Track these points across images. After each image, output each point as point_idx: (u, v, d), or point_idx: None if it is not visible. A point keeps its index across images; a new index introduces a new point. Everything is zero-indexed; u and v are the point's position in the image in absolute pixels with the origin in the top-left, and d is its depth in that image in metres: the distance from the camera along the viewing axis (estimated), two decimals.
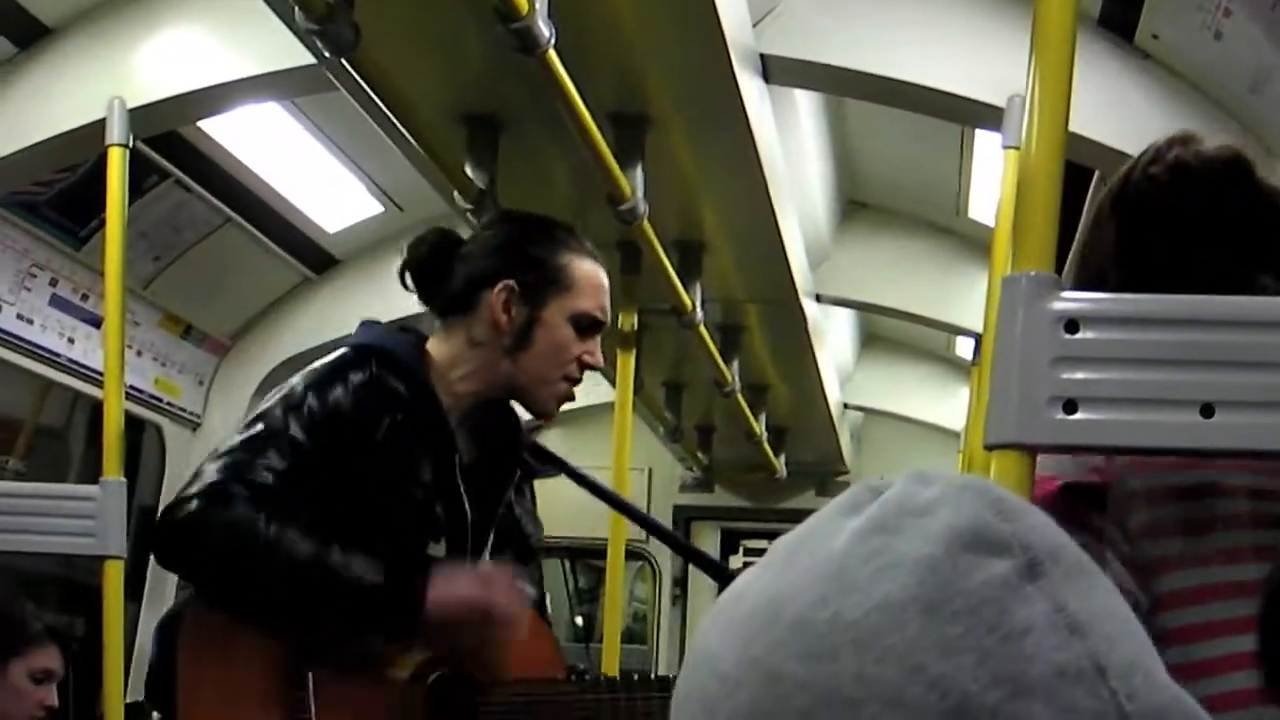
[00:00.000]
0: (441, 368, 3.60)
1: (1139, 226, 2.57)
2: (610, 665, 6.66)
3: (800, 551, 1.02)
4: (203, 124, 7.14)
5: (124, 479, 5.44)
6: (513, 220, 3.89)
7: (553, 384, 3.67)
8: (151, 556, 6.93)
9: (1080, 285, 2.59)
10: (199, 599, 3.46)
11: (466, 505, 3.57)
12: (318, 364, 3.54)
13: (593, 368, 3.77)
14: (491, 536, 3.68)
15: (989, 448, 2.29)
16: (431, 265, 3.70)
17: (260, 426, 3.35)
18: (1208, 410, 2.21)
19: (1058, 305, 2.27)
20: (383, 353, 3.53)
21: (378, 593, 3.28)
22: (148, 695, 3.80)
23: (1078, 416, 2.24)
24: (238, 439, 3.36)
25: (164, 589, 8.36)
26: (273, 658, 3.37)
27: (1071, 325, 2.26)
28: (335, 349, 3.62)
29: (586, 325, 3.67)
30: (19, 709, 5.11)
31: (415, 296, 3.75)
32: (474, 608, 3.36)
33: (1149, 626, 2.34)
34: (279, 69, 5.91)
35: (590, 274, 3.70)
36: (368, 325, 3.75)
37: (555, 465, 3.95)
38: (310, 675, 3.35)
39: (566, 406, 3.76)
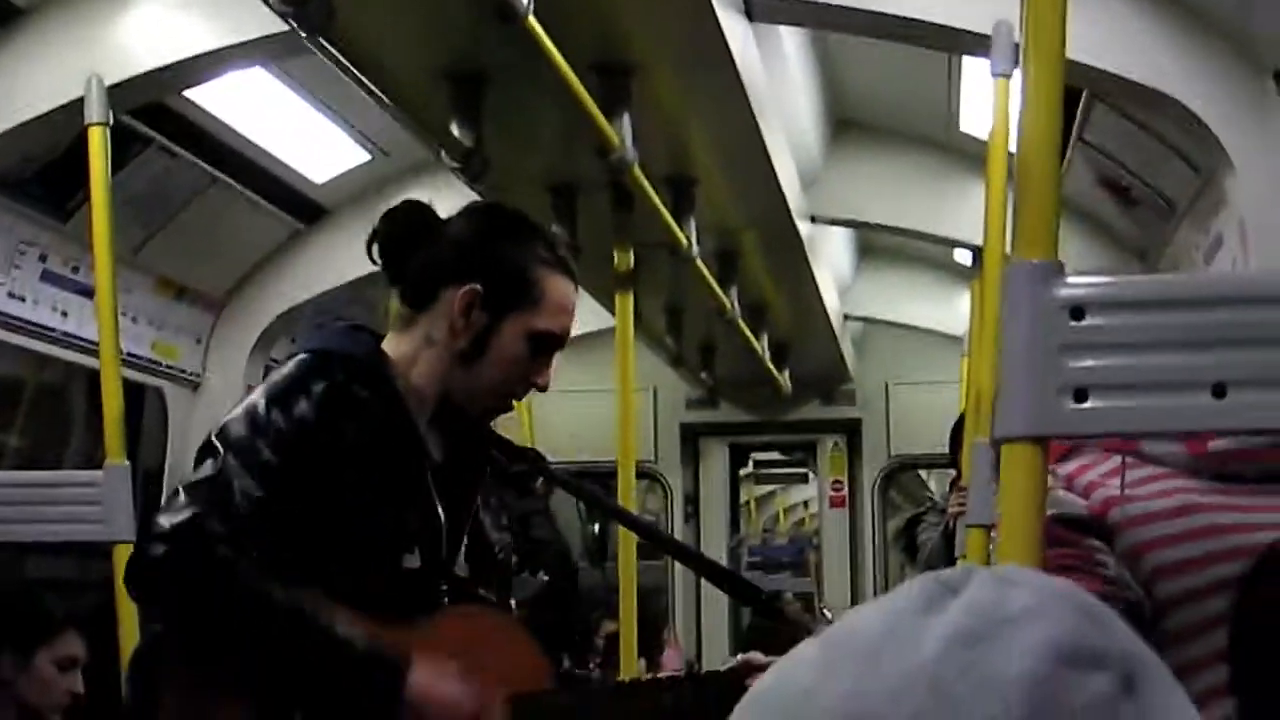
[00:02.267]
0: (402, 367, 3.45)
1: None
2: (628, 584, 6.70)
3: (882, 655, 0.97)
4: None
5: (127, 462, 5.42)
6: (487, 215, 3.70)
7: (493, 398, 3.55)
8: None
9: None
10: (171, 644, 3.39)
11: (440, 512, 3.44)
12: (277, 376, 3.38)
13: (539, 388, 3.60)
14: (465, 541, 3.55)
15: (999, 441, 2.26)
16: (401, 242, 3.53)
17: (228, 450, 3.21)
18: (1219, 390, 2.18)
19: (1062, 292, 2.23)
20: (345, 358, 3.38)
21: (361, 658, 3.17)
22: None
23: (1088, 405, 2.21)
24: (209, 468, 3.21)
25: None
26: (259, 703, 3.31)
27: (1077, 312, 2.22)
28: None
29: (544, 345, 3.51)
30: (48, 699, 5.11)
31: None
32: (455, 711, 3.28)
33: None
34: (257, 36, 5.86)
35: (560, 292, 3.53)
36: (321, 327, 3.64)
37: (528, 463, 3.87)
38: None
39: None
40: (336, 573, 3.24)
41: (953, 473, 7.40)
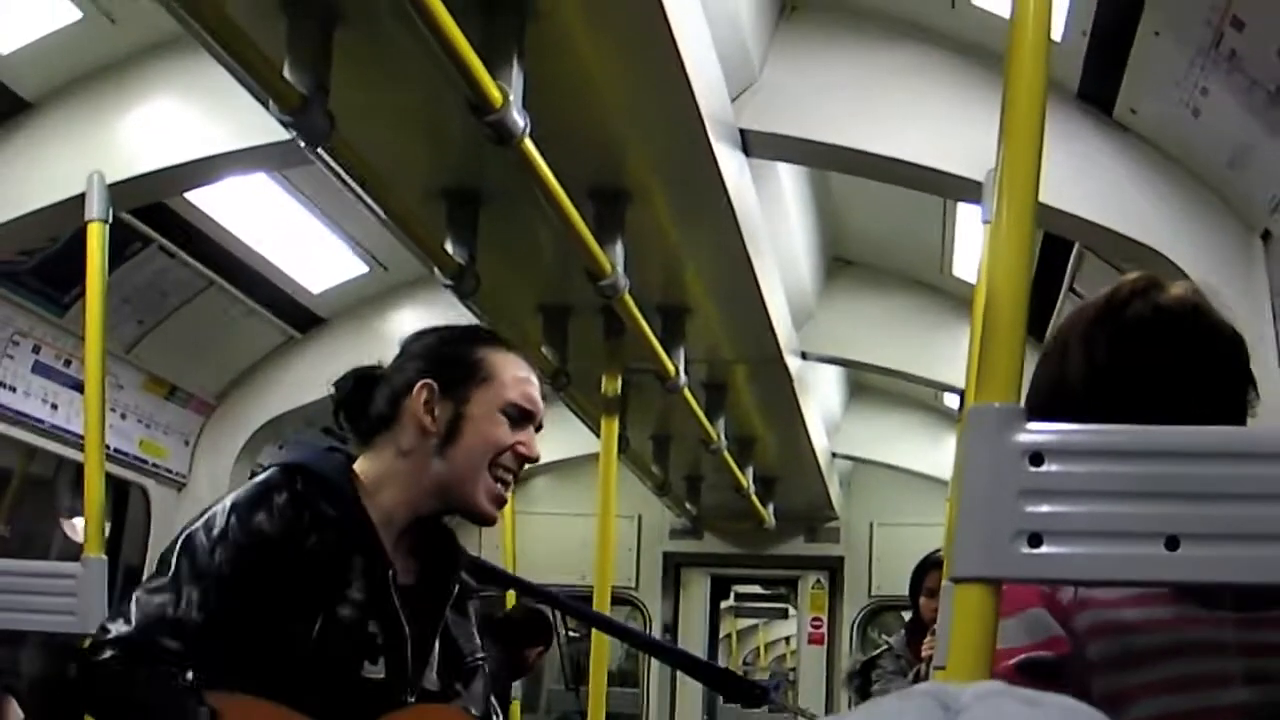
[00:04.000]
0: (370, 486, 3.47)
1: (1101, 377, 2.58)
2: (597, 709, 6.68)
3: None
4: None
5: (104, 556, 5.42)
6: (427, 332, 3.72)
7: (484, 478, 3.50)
8: None
9: (1044, 405, 2.59)
10: None
11: (405, 624, 3.42)
12: (242, 488, 3.41)
13: (528, 460, 3.59)
14: (436, 653, 3.54)
15: (955, 580, 2.28)
16: (355, 397, 3.58)
17: (183, 558, 3.25)
18: (1173, 543, 2.19)
19: (1023, 438, 2.25)
20: (308, 472, 3.40)
21: None
22: None
23: (1043, 550, 2.22)
24: (165, 576, 3.24)
25: None
26: None
27: (1036, 458, 2.23)
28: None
29: (516, 416, 3.53)
30: None
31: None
32: None
33: None
34: (259, 144, 5.92)
35: (509, 364, 3.58)
36: (295, 444, 3.67)
37: (499, 583, 3.88)
38: None
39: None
40: (295, 682, 3.24)
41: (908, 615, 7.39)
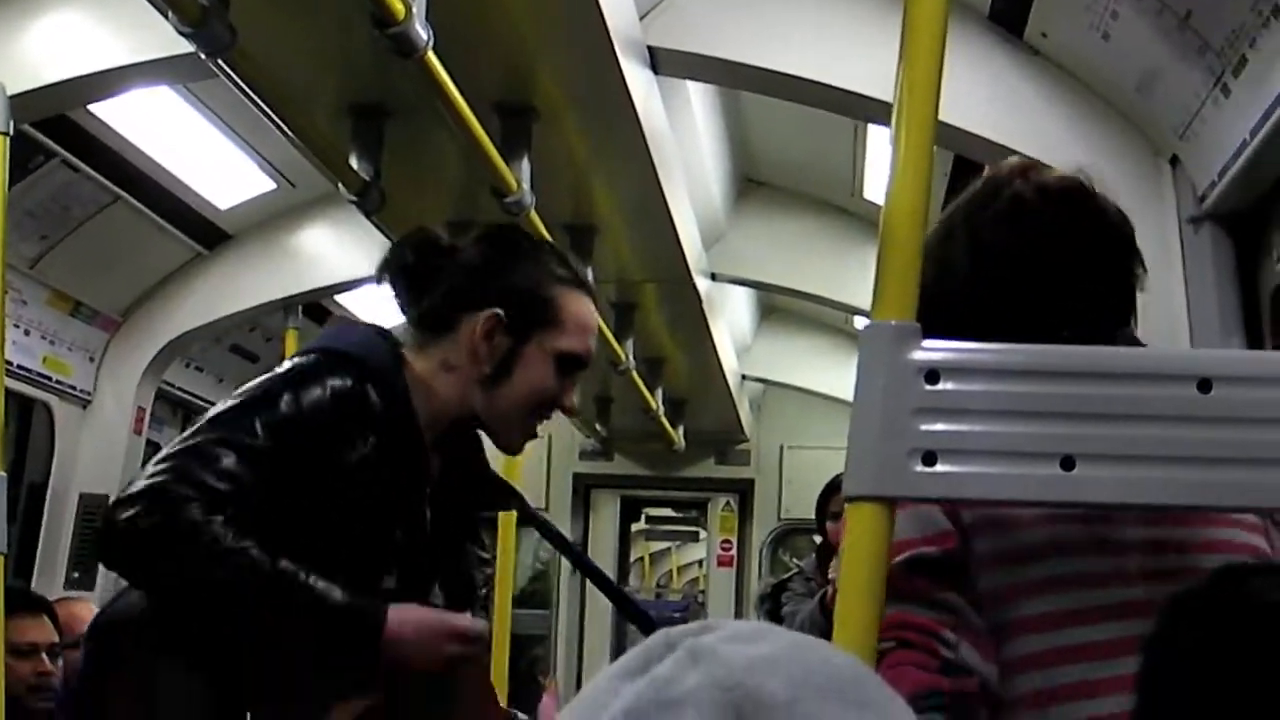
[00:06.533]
0: (418, 385, 3.36)
1: (985, 259, 2.57)
2: (501, 629, 6.70)
3: (574, 712, 1.00)
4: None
5: (3, 473, 5.33)
6: (500, 239, 3.57)
7: (523, 422, 3.45)
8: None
9: (930, 294, 2.58)
10: (139, 622, 3.28)
11: (428, 535, 3.37)
12: (289, 364, 3.28)
13: (567, 411, 3.57)
14: (442, 571, 3.48)
15: (849, 499, 2.27)
16: (419, 273, 3.45)
17: (217, 425, 3.09)
18: (1068, 462, 2.18)
19: (918, 355, 2.23)
20: (365, 364, 3.27)
21: (338, 612, 3.06)
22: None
23: (937, 468, 2.21)
24: (193, 433, 3.09)
25: (54, 573, 8.34)
26: (212, 699, 3.22)
27: (932, 376, 2.22)
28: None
29: (569, 365, 3.43)
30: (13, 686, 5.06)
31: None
32: (437, 633, 3.18)
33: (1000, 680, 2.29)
34: (164, 55, 5.85)
35: (581, 310, 3.46)
36: (343, 327, 3.54)
37: (513, 501, 3.80)
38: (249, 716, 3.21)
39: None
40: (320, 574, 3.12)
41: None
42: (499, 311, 3.35)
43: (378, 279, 3.49)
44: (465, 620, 3.26)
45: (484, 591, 3.67)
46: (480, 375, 3.37)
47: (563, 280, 3.47)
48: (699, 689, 0.96)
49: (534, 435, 3.51)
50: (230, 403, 3.16)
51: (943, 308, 2.46)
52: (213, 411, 3.15)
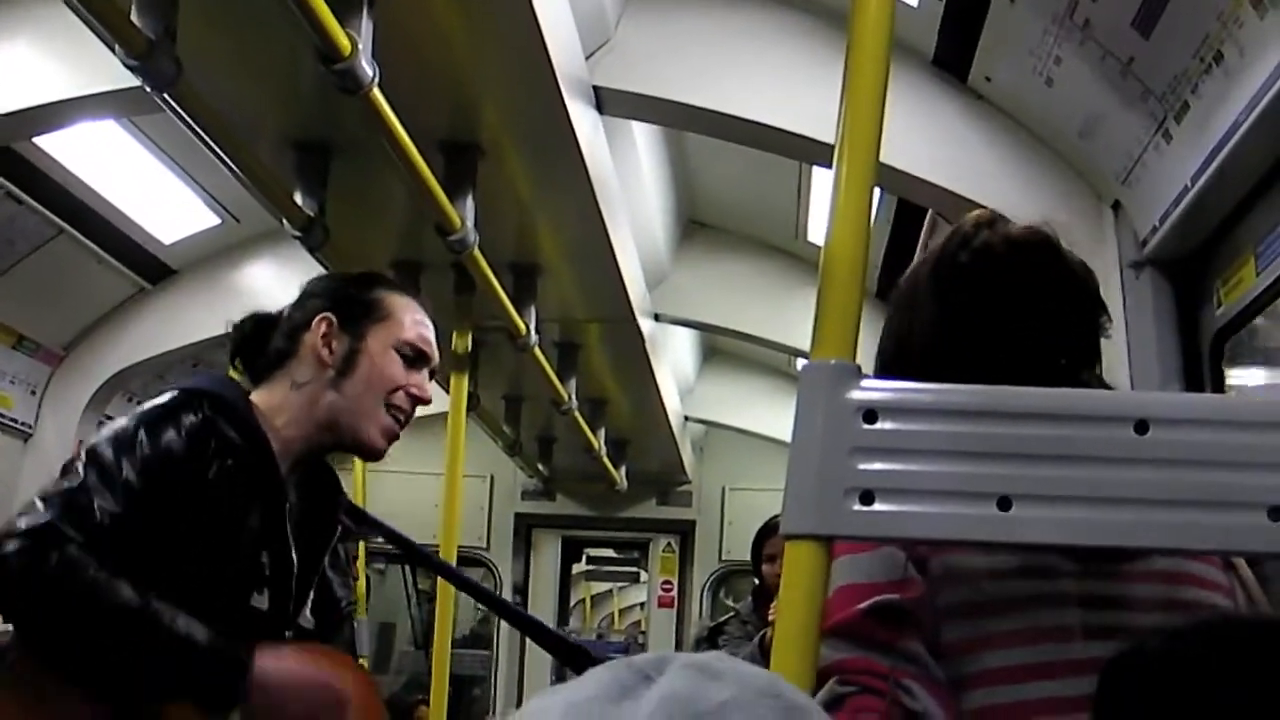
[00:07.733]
0: (268, 415, 3.49)
1: (952, 310, 2.58)
2: (440, 671, 6.71)
3: None
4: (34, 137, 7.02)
5: None
6: (328, 276, 3.87)
7: (378, 414, 3.57)
8: None
9: (891, 364, 2.59)
10: (19, 644, 3.33)
11: (294, 555, 3.45)
12: (148, 405, 3.36)
13: (420, 401, 3.66)
14: (312, 593, 3.58)
15: (786, 537, 2.27)
16: (253, 338, 3.64)
17: (91, 467, 3.17)
18: (1004, 502, 2.19)
19: (856, 395, 2.24)
20: (215, 397, 3.39)
21: (203, 653, 3.11)
22: None
23: (875, 507, 2.21)
24: (68, 481, 3.15)
25: None
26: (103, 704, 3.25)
27: (870, 415, 2.23)
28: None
29: (411, 356, 3.62)
30: None
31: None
32: (305, 685, 3.27)
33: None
34: (110, 89, 5.84)
35: (406, 306, 3.67)
36: (199, 374, 3.68)
37: (372, 529, 3.90)
38: None
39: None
40: (188, 606, 3.16)
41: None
42: (330, 315, 3.56)
43: (230, 362, 3.72)
44: (335, 676, 3.28)
45: (348, 610, 3.76)
46: (328, 377, 3.54)
47: (384, 285, 3.73)
48: (740, 697, 0.95)
49: (395, 434, 3.63)
50: (102, 440, 3.24)
51: (910, 357, 2.48)
52: (86, 448, 3.23)
